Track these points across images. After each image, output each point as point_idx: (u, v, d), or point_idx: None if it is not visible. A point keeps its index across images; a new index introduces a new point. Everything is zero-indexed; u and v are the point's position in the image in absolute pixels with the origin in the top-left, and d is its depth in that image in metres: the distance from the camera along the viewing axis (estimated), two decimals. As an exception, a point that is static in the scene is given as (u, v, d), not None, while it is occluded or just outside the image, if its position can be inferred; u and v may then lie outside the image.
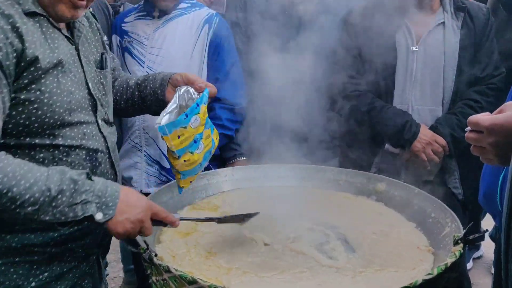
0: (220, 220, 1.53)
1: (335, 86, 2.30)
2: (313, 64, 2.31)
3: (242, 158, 2.35)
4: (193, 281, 1.20)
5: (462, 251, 1.37)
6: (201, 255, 1.49)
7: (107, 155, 1.45)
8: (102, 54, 1.55)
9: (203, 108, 1.51)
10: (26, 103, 1.24)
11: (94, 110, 1.43)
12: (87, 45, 1.48)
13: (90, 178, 1.24)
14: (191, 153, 1.50)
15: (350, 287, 1.34)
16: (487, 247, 3.56)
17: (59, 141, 1.31)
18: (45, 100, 1.26)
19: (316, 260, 1.48)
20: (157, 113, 1.56)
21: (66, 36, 1.39)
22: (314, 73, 2.36)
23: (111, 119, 1.55)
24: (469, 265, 3.37)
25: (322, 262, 1.48)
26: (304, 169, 2.08)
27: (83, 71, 1.41)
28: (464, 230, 1.41)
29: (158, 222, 1.37)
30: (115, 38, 2.32)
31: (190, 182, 1.62)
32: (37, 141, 1.28)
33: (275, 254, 1.52)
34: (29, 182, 1.15)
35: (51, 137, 1.30)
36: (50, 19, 1.33)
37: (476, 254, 3.58)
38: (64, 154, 1.33)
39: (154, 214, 1.33)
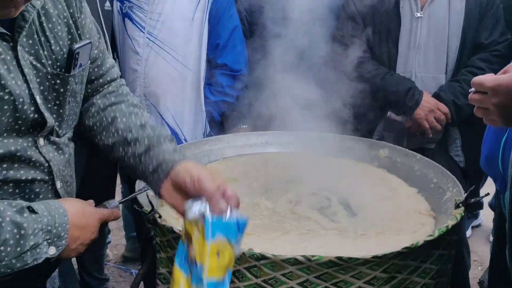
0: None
1: (337, 53, 2.28)
2: (316, 31, 2.29)
3: (244, 126, 2.35)
4: (197, 241, 1.21)
5: (463, 214, 1.38)
6: (205, 217, 1.51)
7: (48, 183, 1.13)
8: (72, 50, 1.12)
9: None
10: None
11: (34, 129, 1.08)
12: (38, 39, 1.07)
13: (33, 211, 1.01)
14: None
15: (352, 248, 1.35)
16: (486, 216, 3.59)
17: None
18: None
19: (318, 223, 1.50)
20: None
21: None
22: (317, 40, 2.34)
23: (66, 131, 1.19)
24: (468, 233, 3.41)
25: (324, 225, 1.49)
26: (306, 135, 2.08)
27: (26, 80, 1.04)
28: (466, 194, 1.42)
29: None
30: (116, 4, 2.29)
31: None
32: None
33: (278, 217, 1.54)
34: None
35: None
36: None
37: (475, 223, 3.61)
38: None
39: (104, 221, 1.20)
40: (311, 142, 2.08)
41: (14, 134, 1.03)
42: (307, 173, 1.85)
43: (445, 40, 2.18)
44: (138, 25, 2.21)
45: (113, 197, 1.80)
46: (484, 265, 3.19)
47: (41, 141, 1.10)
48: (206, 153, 1.94)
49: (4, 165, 1.03)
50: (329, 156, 2.02)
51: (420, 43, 2.19)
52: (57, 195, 1.16)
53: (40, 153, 1.10)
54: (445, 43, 2.18)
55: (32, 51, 1.07)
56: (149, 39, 2.17)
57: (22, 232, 0.98)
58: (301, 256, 1.14)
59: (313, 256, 1.14)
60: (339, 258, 1.14)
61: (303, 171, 1.87)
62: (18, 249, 0.97)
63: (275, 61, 2.30)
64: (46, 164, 1.11)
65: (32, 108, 1.06)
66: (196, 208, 1.02)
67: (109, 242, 3.17)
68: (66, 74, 1.12)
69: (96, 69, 1.28)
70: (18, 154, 1.04)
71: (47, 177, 1.12)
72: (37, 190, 1.11)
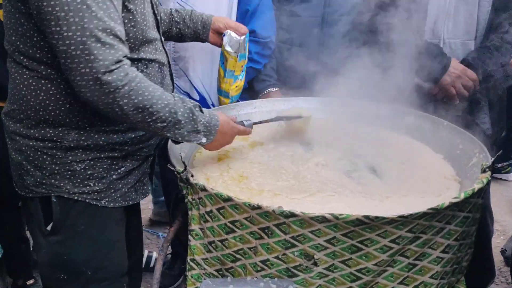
0: (286, 118, 1.88)
1: (364, 20, 2.26)
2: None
3: (275, 89, 2.36)
4: (228, 199, 1.26)
5: (489, 178, 1.40)
6: (234, 178, 1.56)
7: (168, 68, 1.62)
8: None
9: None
10: (126, 20, 1.37)
11: (157, 27, 1.56)
12: None
13: (201, 110, 1.48)
14: (241, 80, 2.00)
15: (377, 209, 1.38)
16: (510, 187, 3.58)
17: (142, 55, 1.47)
18: (139, 19, 1.41)
19: (344, 185, 1.53)
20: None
21: None
22: (344, 8, 2.33)
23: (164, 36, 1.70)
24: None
25: (350, 188, 1.52)
26: (333, 102, 2.10)
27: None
28: (493, 159, 1.43)
29: None
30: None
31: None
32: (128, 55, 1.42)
33: (305, 180, 1.58)
34: (164, 103, 1.37)
35: (137, 52, 1.45)
36: None
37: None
38: (144, 66, 1.48)
39: (238, 135, 1.63)
40: (337, 108, 2.09)
41: (153, 29, 1.52)
42: (333, 139, 1.87)
43: (475, 4, 2.14)
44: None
45: None
46: (507, 234, 3.20)
47: (162, 37, 1.61)
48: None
49: (153, 50, 1.51)
50: (355, 122, 2.04)
51: (450, 7, 2.15)
52: (172, 80, 1.66)
53: (162, 44, 1.59)
54: (475, 7, 2.14)
55: None
56: (179, 3, 2.18)
57: (194, 117, 1.44)
58: (329, 214, 1.18)
59: (340, 214, 1.18)
60: (366, 216, 1.18)
61: (329, 137, 1.89)
62: (189, 127, 1.43)
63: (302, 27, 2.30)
64: (165, 54, 1.60)
65: (151, 11, 1.53)
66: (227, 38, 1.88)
67: (137, 205, 3.26)
68: None
69: None
70: (156, 42, 1.52)
71: (167, 63, 1.61)
72: (165, 72, 1.58)
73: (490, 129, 2.18)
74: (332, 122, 2.03)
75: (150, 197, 3.47)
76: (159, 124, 1.38)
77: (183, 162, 1.38)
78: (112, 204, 1.52)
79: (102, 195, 1.50)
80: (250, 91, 2.39)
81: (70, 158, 1.44)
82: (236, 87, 2.01)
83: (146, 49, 1.49)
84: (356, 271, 1.25)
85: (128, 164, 1.53)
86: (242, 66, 1.98)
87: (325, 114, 2.08)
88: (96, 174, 1.47)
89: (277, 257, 1.25)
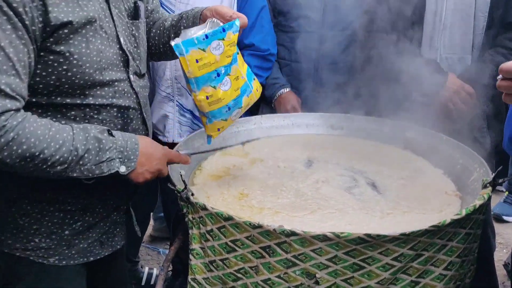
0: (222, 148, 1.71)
1: (361, 32, 2.28)
2: (341, 9, 2.29)
3: (287, 89, 2.35)
4: (229, 218, 1.26)
5: (490, 194, 1.39)
6: (234, 196, 1.55)
7: (138, 112, 1.45)
8: (135, 2, 1.47)
9: (231, 36, 1.36)
10: (55, 64, 1.24)
11: (126, 65, 1.40)
12: None
13: (111, 134, 1.30)
14: (214, 87, 1.36)
15: (379, 227, 1.38)
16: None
17: (90, 100, 1.31)
18: (74, 62, 1.25)
19: (345, 202, 1.53)
20: None
21: None
22: (344, 19, 2.33)
23: (143, 70, 1.51)
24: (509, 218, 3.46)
25: (351, 204, 1.52)
26: (332, 117, 2.10)
27: (115, 26, 1.37)
28: (493, 174, 1.43)
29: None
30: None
31: (218, 130, 1.50)
32: (68, 100, 1.29)
33: (305, 197, 1.57)
34: (58, 143, 1.20)
35: (82, 97, 1.30)
36: None
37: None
38: (95, 112, 1.34)
39: (170, 160, 1.44)
40: (337, 123, 2.10)
41: (115, 68, 1.35)
42: (334, 155, 1.88)
43: (471, 19, 2.15)
44: (167, 9, 2.24)
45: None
46: (509, 247, 3.19)
47: (132, 77, 1.40)
48: (233, 134, 1.97)
49: (110, 94, 1.34)
50: (355, 138, 2.04)
51: (446, 22, 2.16)
52: (144, 123, 1.48)
53: (131, 85, 1.40)
54: (471, 22, 2.15)
55: (117, 3, 1.40)
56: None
57: (101, 146, 1.26)
58: (330, 232, 1.17)
59: (342, 232, 1.17)
60: (368, 235, 1.17)
61: (330, 152, 1.89)
62: (97, 158, 1.26)
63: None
64: (134, 96, 1.41)
65: (118, 46, 1.36)
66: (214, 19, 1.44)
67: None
68: (136, 21, 1.45)
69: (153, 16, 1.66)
70: (117, 83, 1.35)
71: (137, 106, 1.43)
72: (132, 116, 1.42)
73: (490, 143, 2.18)
74: (332, 138, 2.04)
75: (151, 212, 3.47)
76: (58, 168, 1.22)
77: (183, 181, 1.37)
78: (64, 262, 1.37)
79: (51, 252, 1.36)
80: (263, 98, 2.35)
81: (13, 210, 1.33)
82: (208, 97, 1.38)
83: (98, 93, 1.32)
84: (359, 290, 1.24)
85: (88, 218, 1.39)
86: (215, 64, 1.36)
87: (324, 130, 2.09)
88: (43, 229, 1.34)
89: (278, 276, 1.24)
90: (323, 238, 1.18)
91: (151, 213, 3.37)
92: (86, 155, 1.24)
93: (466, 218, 1.29)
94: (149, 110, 1.56)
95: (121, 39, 1.38)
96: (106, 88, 1.33)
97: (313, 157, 1.87)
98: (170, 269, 2.73)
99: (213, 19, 1.45)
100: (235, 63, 1.41)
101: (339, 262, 1.21)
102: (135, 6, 1.47)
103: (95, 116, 1.34)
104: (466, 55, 2.21)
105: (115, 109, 1.36)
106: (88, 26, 1.27)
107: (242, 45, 2.28)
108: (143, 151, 1.33)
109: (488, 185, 1.42)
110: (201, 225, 1.35)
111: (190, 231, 1.39)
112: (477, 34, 2.17)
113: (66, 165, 1.23)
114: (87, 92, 1.30)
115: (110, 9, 1.36)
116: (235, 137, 1.98)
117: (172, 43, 1.33)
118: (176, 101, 2.28)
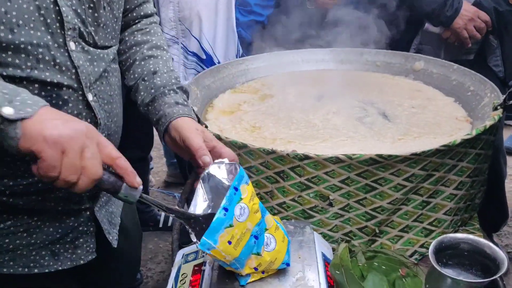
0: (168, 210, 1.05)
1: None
2: None
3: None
4: (243, 146, 1.29)
5: (501, 115, 1.40)
6: (246, 129, 1.58)
7: (79, 92, 1.01)
8: None
9: (247, 189, 0.99)
10: None
11: (60, 25, 0.97)
12: None
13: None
14: (258, 254, 1.01)
15: (390, 150, 1.40)
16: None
17: None
18: None
19: (356, 131, 1.55)
20: None
21: None
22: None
23: (107, 42, 1.10)
24: None
25: (362, 132, 1.54)
26: (342, 52, 2.09)
27: None
28: (504, 96, 1.43)
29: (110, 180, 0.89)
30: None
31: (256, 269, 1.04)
32: None
33: (316, 127, 1.59)
34: None
35: None
36: None
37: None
38: None
39: (101, 146, 0.87)
40: (347, 58, 2.09)
41: (43, 28, 0.94)
42: (344, 88, 1.88)
43: None
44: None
45: None
46: (520, 180, 3.22)
47: (72, 45, 0.99)
48: (243, 72, 1.98)
49: (28, 63, 0.93)
50: (365, 71, 2.04)
51: None
52: (89, 108, 1.04)
53: (69, 56, 0.99)
54: None
55: None
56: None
57: None
58: (343, 154, 1.20)
59: (354, 154, 1.20)
60: (379, 155, 1.20)
61: (340, 86, 1.89)
62: None
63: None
64: (73, 70, 1.00)
65: None
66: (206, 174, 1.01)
67: (151, 168, 3.32)
68: None
69: None
70: (41, 50, 0.94)
71: (75, 85, 1.00)
72: (66, 97, 1.00)
73: (503, 71, 2.16)
74: (341, 72, 2.03)
75: (163, 159, 3.53)
76: None
77: (196, 115, 1.39)
78: None
79: None
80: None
81: None
82: (257, 267, 1.01)
83: (9, 60, 0.91)
84: (371, 210, 1.28)
85: (22, 216, 1.05)
86: (248, 229, 0.97)
87: (334, 65, 2.08)
88: None
89: (293, 200, 1.28)
90: (336, 160, 1.20)
91: (164, 161, 3.44)
92: None
93: (477, 138, 1.31)
94: (113, 99, 1.14)
95: None
96: (22, 55, 0.92)
97: (323, 91, 1.87)
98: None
99: (204, 176, 1.01)
100: (265, 213, 1.05)
101: (352, 184, 1.24)
102: None
103: None
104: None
105: (36, 85, 0.96)
106: None
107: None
108: (52, 109, 0.86)
109: (498, 107, 1.42)
110: (215, 156, 1.38)
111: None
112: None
113: None
114: None
115: None
116: (244, 75, 1.98)
117: (195, 242, 0.96)
118: (181, 43, 2.26)
